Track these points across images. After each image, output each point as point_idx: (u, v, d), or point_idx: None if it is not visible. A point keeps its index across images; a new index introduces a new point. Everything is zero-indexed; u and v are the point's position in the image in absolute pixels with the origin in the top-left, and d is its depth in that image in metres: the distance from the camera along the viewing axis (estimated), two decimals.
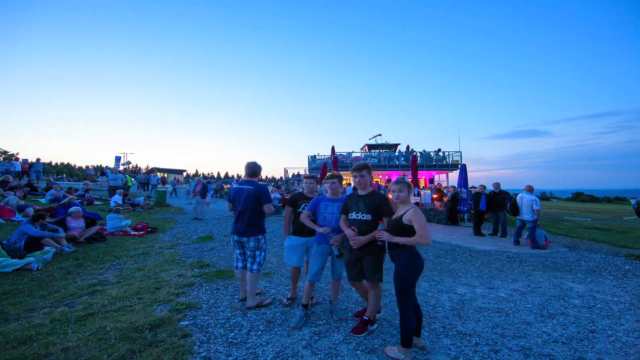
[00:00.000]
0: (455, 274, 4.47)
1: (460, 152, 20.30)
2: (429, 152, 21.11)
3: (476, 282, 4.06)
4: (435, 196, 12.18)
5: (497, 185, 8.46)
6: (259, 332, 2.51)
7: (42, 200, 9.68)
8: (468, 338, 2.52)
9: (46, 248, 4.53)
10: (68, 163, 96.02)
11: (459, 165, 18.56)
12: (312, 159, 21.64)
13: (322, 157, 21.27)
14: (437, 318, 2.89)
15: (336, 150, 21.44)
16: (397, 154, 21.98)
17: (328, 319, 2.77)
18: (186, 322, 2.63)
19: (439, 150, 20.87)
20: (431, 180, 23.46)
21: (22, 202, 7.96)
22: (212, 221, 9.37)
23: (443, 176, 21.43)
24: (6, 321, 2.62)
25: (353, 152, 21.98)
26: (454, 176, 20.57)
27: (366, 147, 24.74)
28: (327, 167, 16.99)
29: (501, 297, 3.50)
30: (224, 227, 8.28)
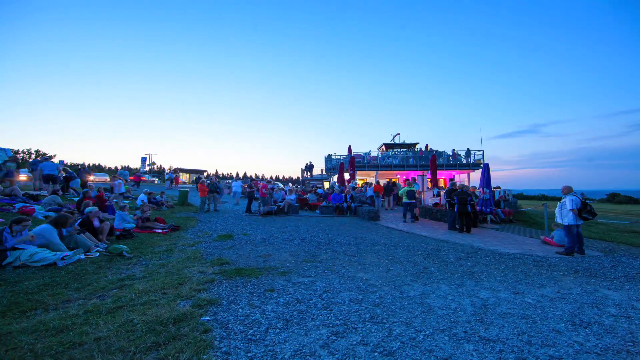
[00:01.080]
0: (477, 277, 4.31)
1: (483, 151, 19.54)
2: (449, 151, 20.45)
3: (500, 287, 3.89)
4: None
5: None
6: (277, 330, 2.55)
7: (76, 199, 10.33)
8: (492, 344, 2.42)
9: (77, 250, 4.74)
10: (99, 164, 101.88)
11: (481, 165, 17.89)
12: (329, 159, 21.63)
13: (339, 157, 21.20)
14: (458, 322, 2.80)
15: (353, 150, 21.33)
16: (414, 152, 21.49)
17: (346, 319, 2.77)
18: (207, 318, 2.71)
19: (468, 150, 20.17)
20: (451, 180, 22.75)
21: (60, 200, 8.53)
22: (231, 220, 9.61)
23: (464, 176, 20.70)
24: (46, 310, 2.83)
25: (370, 151, 21.74)
26: (475, 176, 19.84)
27: (384, 146, 24.39)
28: (344, 167, 16.93)
29: (527, 303, 3.34)
30: (241, 226, 8.47)
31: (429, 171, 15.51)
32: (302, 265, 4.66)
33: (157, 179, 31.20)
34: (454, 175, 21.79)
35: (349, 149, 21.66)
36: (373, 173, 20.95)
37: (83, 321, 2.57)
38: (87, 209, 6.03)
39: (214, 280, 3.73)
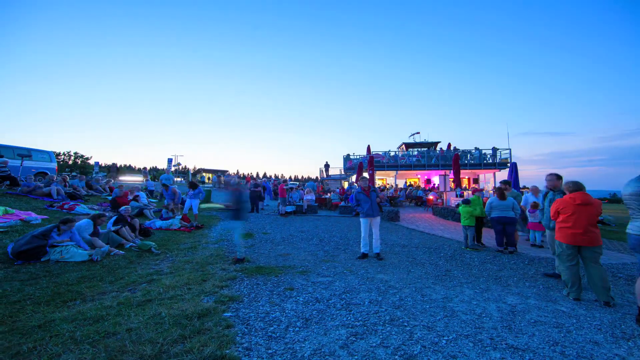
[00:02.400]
0: (504, 282, 4.11)
1: (510, 149, 18.58)
2: (474, 149, 19.65)
3: (529, 293, 3.68)
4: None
5: None
6: (297, 329, 2.57)
7: (109, 197, 11.02)
8: (521, 353, 2.30)
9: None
10: (130, 165, 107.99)
11: (508, 164, 17.03)
12: (347, 159, 21.52)
13: (358, 157, 21.04)
14: (484, 328, 2.68)
15: (372, 150, 21.08)
16: (437, 152, 20.86)
17: (365, 321, 2.74)
18: (229, 314, 2.80)
19: (494, 149, 19.30)
20: (475, 180, 21.86)
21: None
22: (251, 219, 9.83)
23: (489, 175, 19.81)
24: (84, 301, 3.04)
25: (390, 151, 21.39)
26: (502, 176, 18.93)
27: (403, 145, 23.91)
28: (363, 167, 16.77)
29: (561, 311, 3.13)
30: (261, 225, 8.64)
31: (452, 171, 14.98)
32: (321, 264, 4.67)
33: (181, 179, 32.59)
34: (478, 175, 20.93)
35: (368, 148, 21.43)
36: (392, 173, 20.60)
37: (116, 312, 2.74)
38: (121, 208, 6.43)
39: (235, 278, 3.83)
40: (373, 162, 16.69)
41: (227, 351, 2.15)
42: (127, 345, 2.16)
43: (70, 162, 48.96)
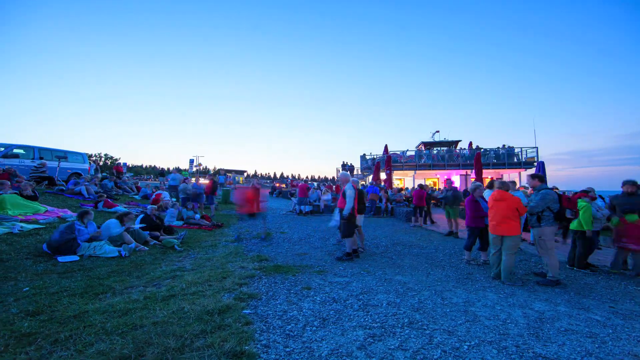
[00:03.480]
0: (530, 287, 3.91)
1: (537, 147, 17.64)
2: (500, 147, 18.79)
3: (559, 299, 3.48)
4: None
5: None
6: (314, 328, 2.58)
7: (137, 197, 11.62)
8: None
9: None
10: (155, 166, 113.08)
11: (535, 163, 16.17)
12: (364, 158, 21.33)
13: (375, 156, 20.79)
14: (508, 335, 2.57)
15: (389, 149, 20.76)
16: (457, 151, 20.19)
17: (383, 322, 2.71)
18: (248, 311, 2.86)
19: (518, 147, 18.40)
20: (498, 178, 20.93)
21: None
22: (269, 218, 9.98)
23: (514, 175, 18.90)
24: (113, 295, 3.22)
25: (407, 150, 20.97)
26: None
27: (422, 145, 23.33)
28: (380, 167, 16.57)
29: (595, 320, 2.94)
30: (279, 225, 8.75)
31: (473, 170, 14.45)
32: (338, 265, 4.67)
33: (202, 179, 33.66)
34: (502, 175, 20.05)
35: (385, 147, 21.11)
36: (411, 173, 20.17)
37: (142, 306, 2.88)
38: (148, 207, 6.76)
39: (254, 276, 3.91)
40: (390, 161, 16.44)
41: (246, 347, 2.20)
42: (152, 338, 2.26)
43: (101, 163, 52.04)
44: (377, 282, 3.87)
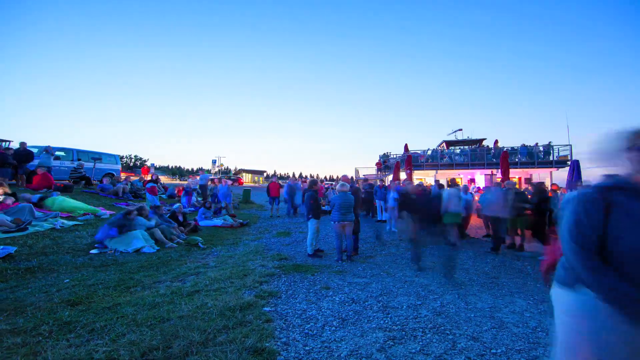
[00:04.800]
0: None
1: (571, 145, 16.50)
2: (530, 145, 17.76)
3: None
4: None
5: None
6: (333, 328, 2.59)
7: (164, 196, 12.21)
8: None
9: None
10: (179, 166, 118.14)
11: (568, 162, 15.15)
12: (384, 158, 21.00)
13: (394, 156, 20.42)
14: (539, 344, 2.43)
15: (409, 148, 20.30)
16: (481, 149, 19.34)
17: (403, 325, 2.66)
18: (269, 309, 2.91)
19: (549, 144, 17.35)
20: (528, 180, 19.83)
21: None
22: (288, 218, 10.10)
23: (544, 174, 17.80)
24: (143, 289, 3.41)
25: (428, 149, 20.39)
26: (560, 175, 16.91)
27: (444, 143, 22.57)
28: (400, 166, 16.24)
29: None
30: (298, 224, 8.83)
31: (499, 170, 13.77)
32: (357, 265, 4.64)
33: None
34: (531, 175, 18.97)
35: (405, 147, 20.66)
36: (432, 172, 19.60)
37: (169, 300, 3.02)
38: (175, 206, 7.10)
39: (274, 274, 3.98)
40: (411, 161, 16.07)
41: (267, 344, 2.25)
42: (178, 331, 2.37)
43: (131, 164, 55.19)
44: (398, 283, 3.80)
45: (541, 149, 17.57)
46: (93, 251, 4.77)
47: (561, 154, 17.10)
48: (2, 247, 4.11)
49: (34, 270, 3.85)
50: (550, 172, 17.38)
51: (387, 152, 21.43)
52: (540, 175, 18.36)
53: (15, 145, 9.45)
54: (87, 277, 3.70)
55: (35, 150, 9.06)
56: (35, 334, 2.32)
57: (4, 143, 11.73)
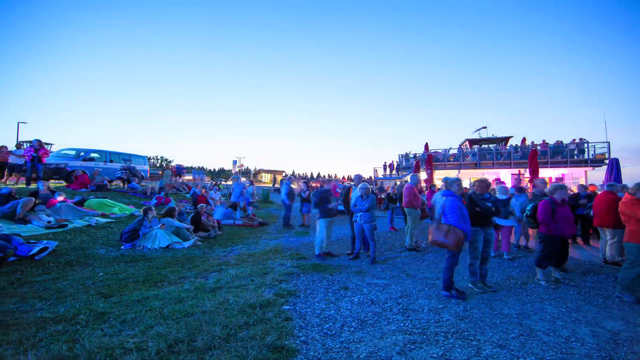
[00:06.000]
0: (601, 302, 3.41)
1: (608, 142, 15.32)
2: (569, 142, 16.67)
3: (639, 318, 2.98)
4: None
5: None
6: (352, 329, 2.57)
7: (187, 195, 12.70)
8: None
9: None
10: (202, 166, 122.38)
11: (606, 160, 14.08)
12: (404, 157, 20.57)
13: (415, 155, 19.94)
14: (573, 355, 2.28)
15: (430, 147, 19.75)
16: (507, 148, 18.43)
17: (424, 329, 2.59)
18: (288, 307, 2.95)
19: (583, 141, 16.24)
20: (559, 180, 18.63)
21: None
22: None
23: (578, 173, 16.64)
24: (169, 284, 3.57)
25: (450, 148, 19.72)
26: (596, 175, 15.76)
27: (467, 142, 21.73)
28: (420, 166, 15.84)
29: None
30: (315, 224, 8.85)
31: (528, 169, 13.04)
32: (376, 266, 4.58)
33: (244, 179, 35.65)
34: (563, 175, 17.81)
35: (426, 146, 20.11)
36: (454, 172, 18.93)
37: (193, 295, 3.15)
38: (199, 206, 7.38)
39: (292, 273, 4.02)
40: (432, 160, 15.63)
41: (287, 342, 2.28)
42: (202, 325, 2.46)
43: (158, 164, 57.95)
44: (419, 286, 3.71)
45: (575, 146, 16.44)
46: (124, 247, 5.07)
47: (597, 152, 15.92)
48: (45, 241, 4.47)
49: (72, 263, 4.15)
50: (585, 172, 16.24)
51: (408, 152, 20.97)
52: (574, 174, 17.20)
53: (55, 148, 10.26)
54: (118, 271, 3.94)
55: (72, 153, 9.78)
56: (74, 322, 2.50)
57: (47, 146, 12.72)
